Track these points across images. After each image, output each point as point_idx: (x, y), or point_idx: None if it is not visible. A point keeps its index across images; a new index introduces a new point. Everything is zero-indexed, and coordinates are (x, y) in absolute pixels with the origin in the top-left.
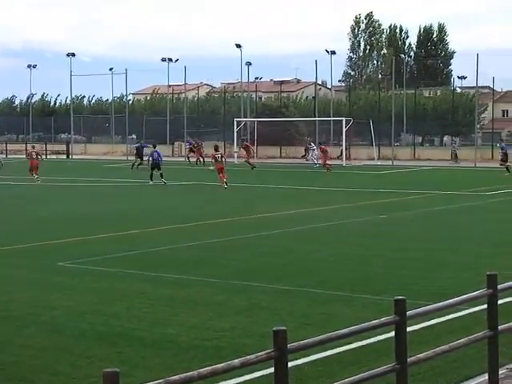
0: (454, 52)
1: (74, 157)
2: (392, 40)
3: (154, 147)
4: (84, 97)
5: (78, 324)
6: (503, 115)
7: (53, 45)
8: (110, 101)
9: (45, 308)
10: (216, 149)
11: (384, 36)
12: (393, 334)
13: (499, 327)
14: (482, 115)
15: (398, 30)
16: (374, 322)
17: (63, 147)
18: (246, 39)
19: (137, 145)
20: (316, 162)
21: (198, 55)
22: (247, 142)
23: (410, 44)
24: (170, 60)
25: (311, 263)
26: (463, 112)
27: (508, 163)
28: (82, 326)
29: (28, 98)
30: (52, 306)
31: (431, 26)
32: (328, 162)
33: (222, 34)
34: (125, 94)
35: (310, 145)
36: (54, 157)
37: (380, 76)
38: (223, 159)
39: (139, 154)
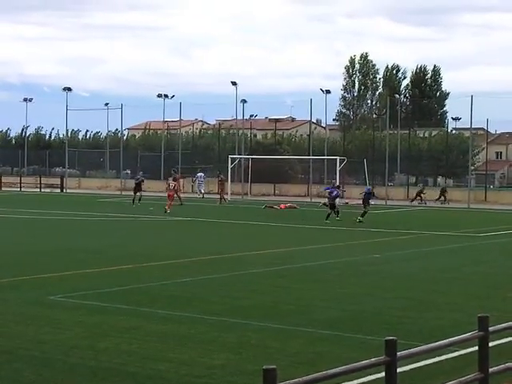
0: (448, 93)
1: (68, 190)
2: (388, 80)
3: None
4: (79, 131)
5: (67, 358)
6: (497, 157)
7: (50, 79)
8: (105, 135)
9: (34, 342)
10: (174, 179)
11: (379, 76)
12: (383, 374)
13: (490, 369)
14: (476, 157)
15: (394, 71)
16: (364, 362)
17: (58, 181)
18: (242, 77)
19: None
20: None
21: (193, 92)
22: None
23: (406, 85)
24: (166, 96)
25: (302, 302)
26: (457, 153)
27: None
28: (72, 360)
29: (22, 131)
30: (42, 340)
31: (426, 67)
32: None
33: (217, 72)
34: (120, 129)
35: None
36: (48, 190)
37: (374, 116)
38: (175, 188)
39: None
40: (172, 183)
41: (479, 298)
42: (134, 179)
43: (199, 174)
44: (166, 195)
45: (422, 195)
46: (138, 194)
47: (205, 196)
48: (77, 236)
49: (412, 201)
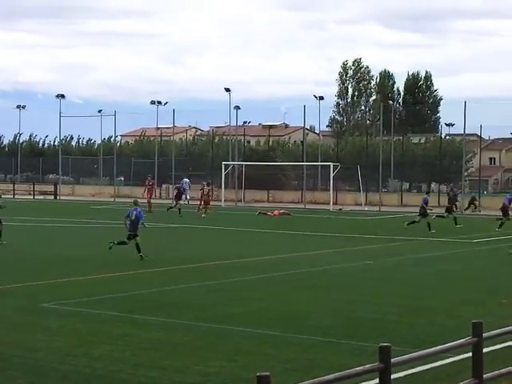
0: (440, 99)
1: (62, 197)
2: (381, 86)
3: None
4: (72, 138)
5: (61, 366)
6: (490, 163)
7: (44, 86)
8: (98, 142)
9: (28, 349)
10: (208, 184)
11: (373, 82)
12: (377, 381)
13: (484, 375)
14: (470, 163)
15: (387, 78)
16: (358, 368)
17: (51, 188)
18: (235, 83)
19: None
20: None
21: (187, 99)
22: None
23: (398, 90)
24: (159, 103)
25: (296, 308)
26: (451, 159)
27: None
28: (66, 367)
29: (15, 138)
30: (35, 348)
31: (418, 73)
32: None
33: (211, 78)
34: (113, 135)
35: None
36: (41, 197)
37: (368, 122)
38: (208, 194)
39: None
40: (206, 189)
41: (473, 303)
42: (175, 187)
43: (184, 180)
44: (202, 201)
45: (475, 203)
46: (179, 202)
47: (189, 202)
48: (70, 243)
49: (466, 209)
